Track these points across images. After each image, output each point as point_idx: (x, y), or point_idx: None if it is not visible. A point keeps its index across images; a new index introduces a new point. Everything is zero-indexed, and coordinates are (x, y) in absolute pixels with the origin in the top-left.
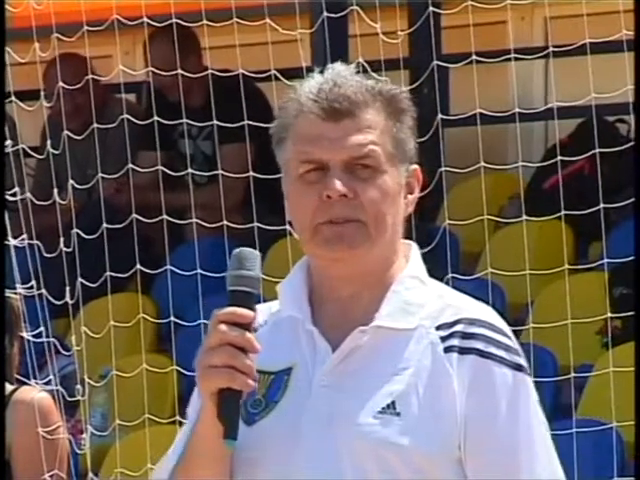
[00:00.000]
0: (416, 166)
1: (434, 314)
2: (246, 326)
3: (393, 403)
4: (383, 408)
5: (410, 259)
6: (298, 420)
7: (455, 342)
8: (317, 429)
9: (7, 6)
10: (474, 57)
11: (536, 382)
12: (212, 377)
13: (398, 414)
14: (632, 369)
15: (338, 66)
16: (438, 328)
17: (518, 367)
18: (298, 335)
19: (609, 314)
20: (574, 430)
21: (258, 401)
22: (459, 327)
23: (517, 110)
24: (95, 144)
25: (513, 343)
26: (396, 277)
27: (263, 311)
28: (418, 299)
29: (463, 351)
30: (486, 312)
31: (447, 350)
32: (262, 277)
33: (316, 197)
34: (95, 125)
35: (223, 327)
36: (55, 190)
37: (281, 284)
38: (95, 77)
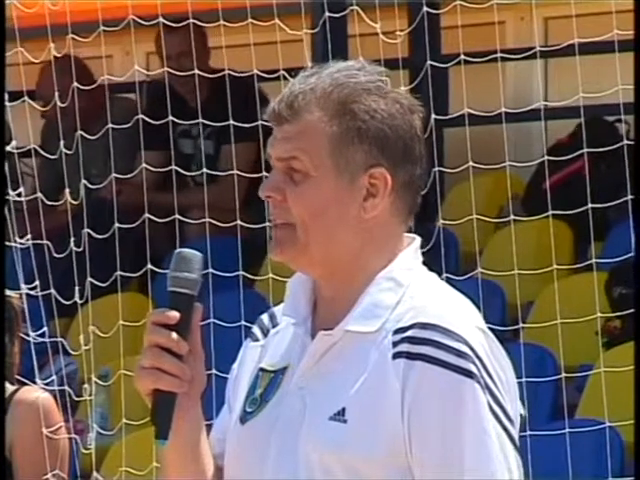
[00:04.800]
0: (380, 169)
1: (399, 317)
2: (174, 327)
3: (343, 410)
4: (335, 414)
5: (395, 259)
6: (275, 421)
7: (404, 348)
8: (287, 431)
9: (19, 5)
10: (462, 57)
11: (536, 382)
12: (140, 378)
13: (345, 421)
14: (632, 369)
15: (327, 65)
16: (395, 332)
17: (467, 373)
18: (296, 335)
19: (609, 314)
20: (574, 430)
21: (255, 400)
22: (411, 332)
23: (504, 110)
24: (97, 145)
25: (469, 348)
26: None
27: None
28: (388, 301)
29: (411, 357)
30: (449, 314)
31: (395, 356)
32: (272, 277)
33: None
34: (82, 128)
35: (151, 329)
36: (42, 192)
37: (288, 282)
38: (89, 79)
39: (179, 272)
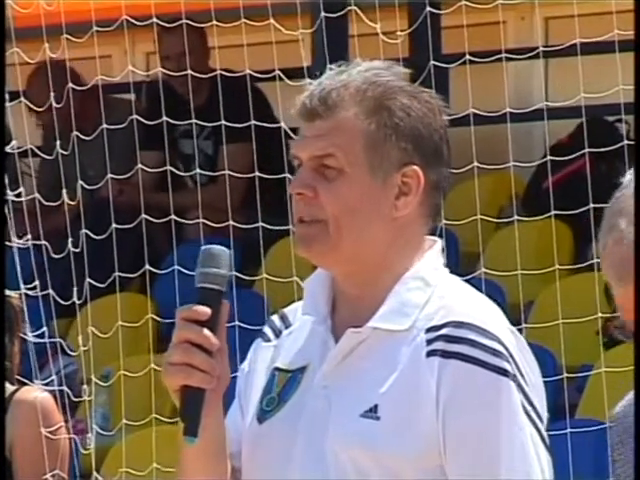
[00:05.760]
0: (414, 167)
1: (430, 316)
2: (205, 323)
3: (376, 407)
4: (366, 412)
5: (421, 259)
6: (298, 420)
7: (439, 346)
8: (312, 430)
9: (15, 6)
10: (467, 57)
11: None
12: (170, 374)
13: (378, 418)
14: (632, 369)
15: (356, 62)
16: (428, 331)
17: (503, 372)
18: (315, 334)
19: (609, 314)
20: (574, 430)
21: (272, 399)
22: (445, 330)
23: (508, 110)
24: (99, 145)
25: (503, 347)
26: (402, 277)
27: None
28: (417, 300)
29: (446, 355)
30: (481, 314)
31: (430, 354)
32: (269, 277)
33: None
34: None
35: (181, 324)
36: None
37: (305, 282)
38: (77, 81)
39: (208, 268)
